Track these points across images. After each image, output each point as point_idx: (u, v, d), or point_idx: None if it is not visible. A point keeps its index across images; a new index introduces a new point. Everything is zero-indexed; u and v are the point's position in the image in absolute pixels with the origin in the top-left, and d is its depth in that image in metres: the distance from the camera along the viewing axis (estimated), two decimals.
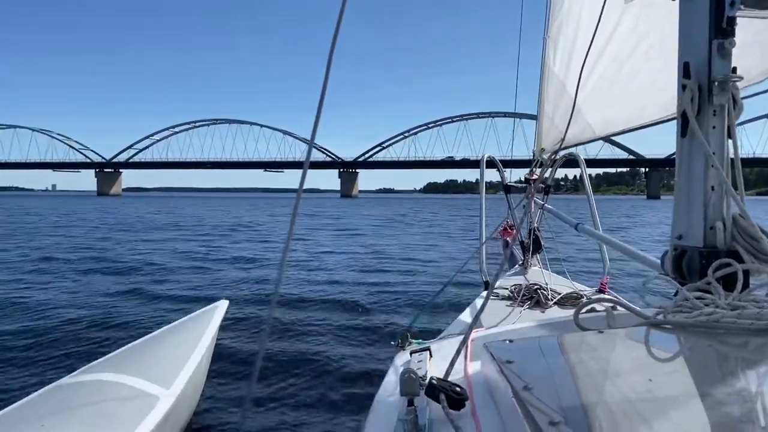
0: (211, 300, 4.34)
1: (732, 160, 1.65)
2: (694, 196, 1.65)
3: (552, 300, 3.00)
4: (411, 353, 1.62)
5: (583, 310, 1.62)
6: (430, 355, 1.56)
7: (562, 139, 3.03)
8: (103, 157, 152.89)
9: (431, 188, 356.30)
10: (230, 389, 4.23)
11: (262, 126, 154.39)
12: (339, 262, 12.44)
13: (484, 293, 3.34)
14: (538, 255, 4.01)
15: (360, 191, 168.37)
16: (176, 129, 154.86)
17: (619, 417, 0.96)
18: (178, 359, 3.14)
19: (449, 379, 1.25)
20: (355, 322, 6.69)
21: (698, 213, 1.64)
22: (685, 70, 1.64)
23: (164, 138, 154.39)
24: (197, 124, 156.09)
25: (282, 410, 3.94)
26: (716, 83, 1.59)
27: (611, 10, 2.54)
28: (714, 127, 1.63)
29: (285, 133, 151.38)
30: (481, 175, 3.76)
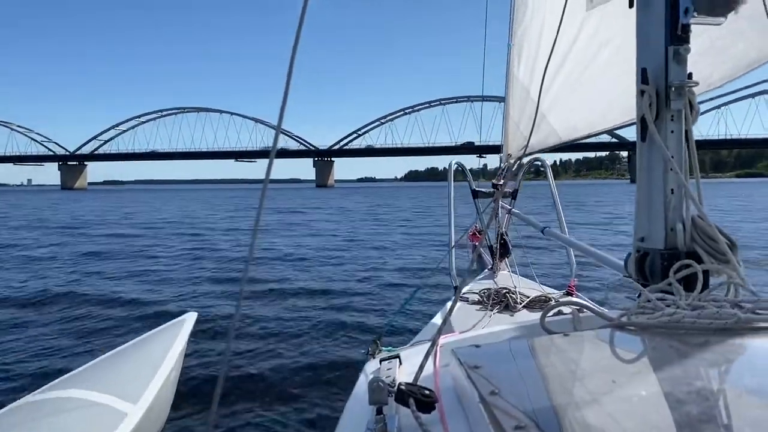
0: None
1: (690, 163, 1.69)
2: (654, 199, 1.69)
3: (521, 303, 3.04)
4: (381, 361, 1.61)
5: (550, 314, 1.64)
6: (400, 363, 1.55)
7: (526, 146, 3.07)
8: (66, 150, 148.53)
9: (412, 176, 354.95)
10: (200, 403, 4.17)
11: (232, 114, 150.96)
12: (306, 269, 12.32)
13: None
14: (506, 259, 4.05)
15: (337, 181, 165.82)
16: (142, 119, 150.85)
17: (585, 418, 0.97)
18: (145, 373, 3.08)
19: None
20: (324, 331, 6.64)
21: (659, 216, 1.67)
22: (643, 76, 1.67)
23: (131, 128, 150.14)
24: (164, 113, 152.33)
25: (250, 426, 3.90)
26: (673, 89, 1.62)
27: (573, 16, 2.58)
28: (672, 132, 1.66)
29: (257, 121, 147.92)
30: (449, 182, 3.78)
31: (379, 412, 1.21)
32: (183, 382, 3.93)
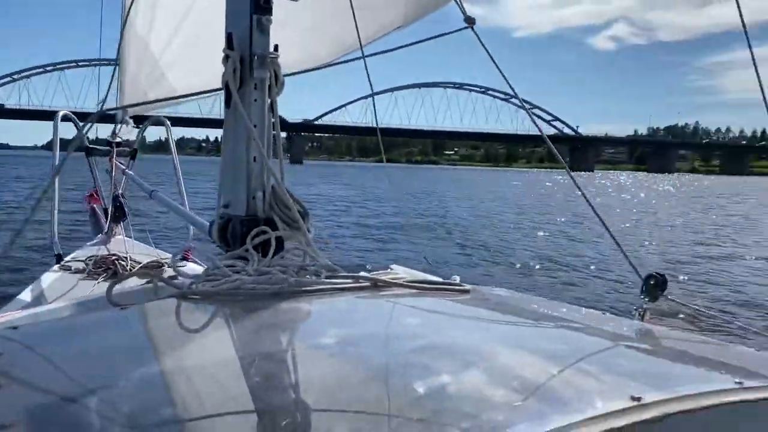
0: None
1: (274, 132, 1.73)
2: (238, 167, 1.70)
3: (132, 270, 2.86)
4: None
5: (119, 285, 1.52)
6: None
7: (121, 106, 2.88)
8: None
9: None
10: None
11: None
12: None
13: (56, 267, 3.01)
14: (123, 223, 3.78)
15: None
16: None
17: (107, 402, 0.86)
18: None
19: None
20: None
21: (242, 183, 1.68)
22: (228, 42, 1.67)
23: None
24: None
25: None
26: (256, 57, 1.64)
27: None
28: (256, 101, 1.68)
29: None
30: (55, 134, 3.33)
31: None
32: None
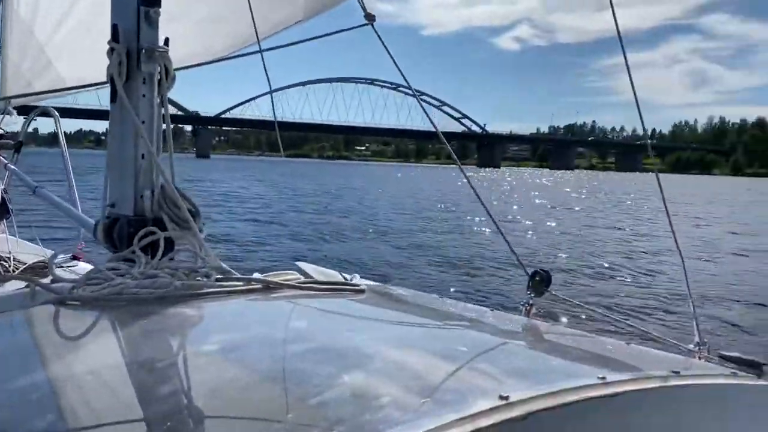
0: None
1: (165, 129, 1.68)
2: (125, 164, 1.62)
3: (16, 270, 2.66)
4: None
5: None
6: None
7: None
8: None
9: None
10: None
11: None
12: None
13: None
14: (6, 220, 3.53)
15: None
16: None
17: None
18: None
19: None
20: None
21: (129, 181, 1.61)
22: (113, 34, 1.59)
23: None
24: None
25: None
26: (144, 51, 1.58)
27: None
28: (144, 96, 1.61)
29: None
30: None
31: None
32: None
